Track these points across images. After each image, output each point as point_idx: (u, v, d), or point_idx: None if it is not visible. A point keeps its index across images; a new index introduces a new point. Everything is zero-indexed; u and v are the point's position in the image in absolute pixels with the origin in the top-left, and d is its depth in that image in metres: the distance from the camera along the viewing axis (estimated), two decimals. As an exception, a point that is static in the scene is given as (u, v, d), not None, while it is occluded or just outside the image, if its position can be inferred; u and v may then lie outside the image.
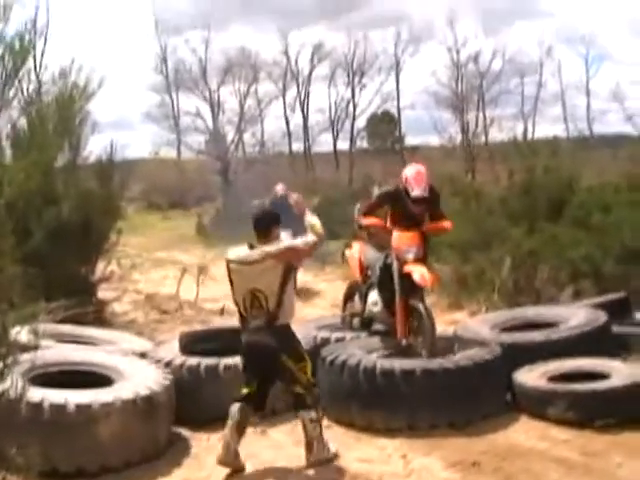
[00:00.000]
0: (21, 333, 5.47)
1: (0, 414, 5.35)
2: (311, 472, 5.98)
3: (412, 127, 61.72)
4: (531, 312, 8.92)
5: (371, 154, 47.92)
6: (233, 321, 8.32)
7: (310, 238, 6.13)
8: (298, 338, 6.22)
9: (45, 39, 39.04)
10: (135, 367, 6.93)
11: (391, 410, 6.71)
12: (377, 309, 7.91)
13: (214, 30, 51.81)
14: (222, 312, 12.35)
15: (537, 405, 6.86)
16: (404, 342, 7.49)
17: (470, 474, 5.86)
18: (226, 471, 6.03)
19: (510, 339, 7.82)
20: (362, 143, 51.10)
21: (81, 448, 5.90)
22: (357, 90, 49.07)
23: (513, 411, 7.03)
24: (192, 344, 7.63)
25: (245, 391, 6.11)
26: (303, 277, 13.62)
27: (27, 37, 12.28)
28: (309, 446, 6.01)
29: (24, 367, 5.78)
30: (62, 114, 11.76)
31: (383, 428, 6.69)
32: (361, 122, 49.99)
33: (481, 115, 47.26)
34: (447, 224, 8.13)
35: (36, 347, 5.68)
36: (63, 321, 8.92)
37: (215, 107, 47.25)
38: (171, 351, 7.63)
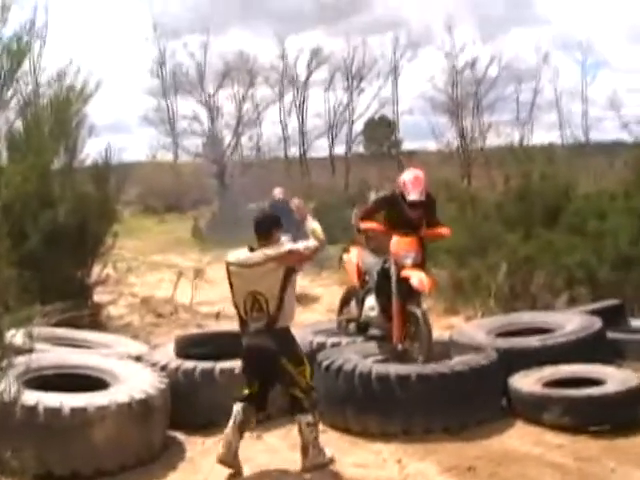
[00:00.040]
0: (16, 336, 5.46)
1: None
2: (306, 477, 5.97)
3: (409, 132, 61.65)
4: (527, 318, 8.92)
5: (367, 159, 47.88)
6: (229, 325, 8.36)
7: (311, 243, 6.15)
8: (298, 342, 6.23)
9: (43, 41, 38.69)
10: (130, 370, 6.93)
11: (386, 415, 6.72)
12: (374, 314, 7.92)
13: (212, 34, 51.72)
14: (218, 316, 12.36)
15: (532, 410, 6.87)
16: (400, 347, 7.50)
17: (465, 479, 5.86)
18: (222, 475, 6.03)
19: (506, 344, 7.83)
20: (358, 148, 51.13)
21: (76, 451, 5.90)
22: (355, 95, 49.10)
23: (508, 416, 7.04)
24: (188, 348, 7.64)
25: (247, 392, 6.13)
26: (300, 282, 13.59)
27: (25, 38, 12.29)
28: (305, 450, 6.01)
29: (19, 370, 5.77)
30: (58, 116, 11.76)
31: (378, 433, 6.69)
32: (358, 127, 50.04)
33: (478, 121, 47.30)
34: (446, 230, 8.15)
35: (31, 350, 5.68)
36: (58, 324, 8.92)
37: (212, 111, 47.22)
38: (167, 355, 7.62)
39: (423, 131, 55.57)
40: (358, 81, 48.71)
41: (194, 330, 10.21)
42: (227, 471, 6.08)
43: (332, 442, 6.50)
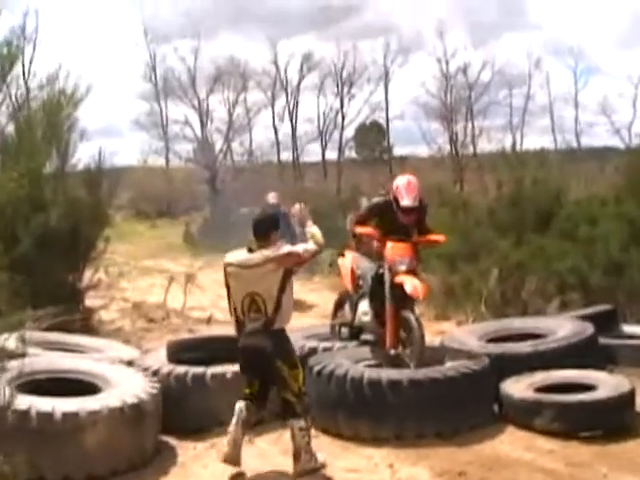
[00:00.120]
0: (9, 340, 5.46)
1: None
2: (298, 481, 5.98)
3: (400, 137, 61.78)
4: (518, 323, 8.94)
5: (359, 164, 48.00)
6: (220, 330, 8.35)
7: (310, 246, 6.18)
8: (293, 344, 6.24)
9: (34, 46, 39.00)
10: (122, 375, 6.91)
11: (378, 420, 6.72)
12: (367, 319, 7.93)
13: (203, 39, 51.92)
14: (209, 321, 12.37)
15: (524, 416, 6.88)
16: (392, 352, 7.50)
17: (457, 484, 5.88)
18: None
19: (497, 350, 7.83)
20: (350, 153, 51.21)
21: (68, 456, 5.88)
22: (346, 100, 49.17)
23: (500, 421, 7.04)
24: (179, 353, 7.63)
25: (247, 391, 6.16)
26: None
27: (15, 43, 12.29)
28: (297, 455, 6.00)
29: (12, 374, 5.76)
30: (50, 120, 11.74)
31: (370, 438, 6.69)
32: (349, 132, 50.12)
33: (470, 126, 47.43)
34: (440, 237, 8.16)
35: (24, 355, 5.67)
36: (50, 329, 8.87)
37: (204, 116, 47.26)
38: (158, 359, 7.61)
39: (414, 136, 55.61)
40: (349, 86, 48.84)
41: (186, 335, 10.18)
42: (218, 476, 6.09)
43: (324, 447, 6.50)
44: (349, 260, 8.38)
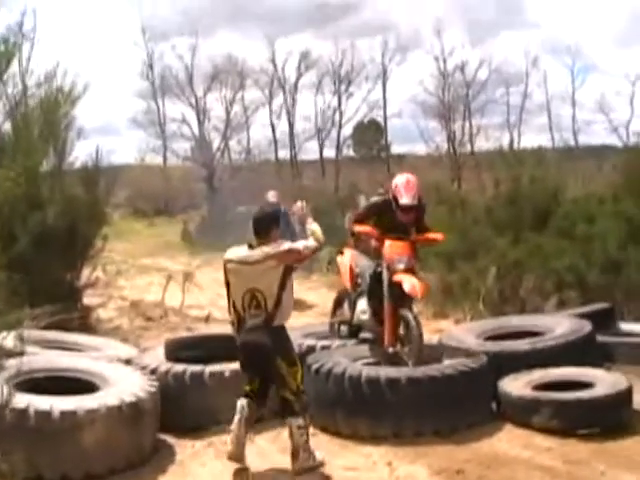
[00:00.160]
0: (7, 339, 5.45)
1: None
2: (296, 480, 5.98)
3: (398, 135, 61.91)
4: (516, 321, 8.95)
5: (357, 162, 47.99)
6: (218, 328, 8.35)
7: (311, 243, 6.19)
8: (292, 342, 6.24)
9: (32, 44, 38.82)
10: (120, 374, 6.91)
11: (376, 418, 6.72)
12: (366, 317, 7.93)
13: (201, 37, 52.00)
14: (207, 319, 12.36)
15: (522, 414, 6.88)
16: (390, 350, 7.51)
17: (455, 482, 5.88)
18: (212, 478, 6.04)
19: (495, 348, 7.84)
20: (348, 151, 51.20)
21: (66, 455, 5.87)
22: (344, 98, 49.16)
23: (498, 419, 7.04)
24: (177, 351, 7.62)
25: (248, 388, 6.15)
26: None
27: (12, 40, 12.28)
28: (295, 454, 6.00)
29: (10, 373, 5.76)
30: (47, 118, 11.73)
31: (368, 436, 6.69)
32: (347, 130, 50.11)
33: (467, 124, 47.45)
34: (439, 236, 8.15)
35: (22, 353, 5.67)
36: (48, 327, 8.88)
37: (201, 114, 47.24)
38: (156, 358, 7.61)
39: (412, 134, 55.67)
40: (347, 84, 48.83)
41: (184, 333, 10.18)
42: (216, 474, 6.10)
43: (322, 445, 6.50)
44: (348, 258, 8.38)
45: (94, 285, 11.89)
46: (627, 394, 6.83)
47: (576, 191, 14.86)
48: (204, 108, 47.29)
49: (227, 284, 6.20)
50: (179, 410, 6.96)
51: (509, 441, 6.63)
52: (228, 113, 47.16)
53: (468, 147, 46.70)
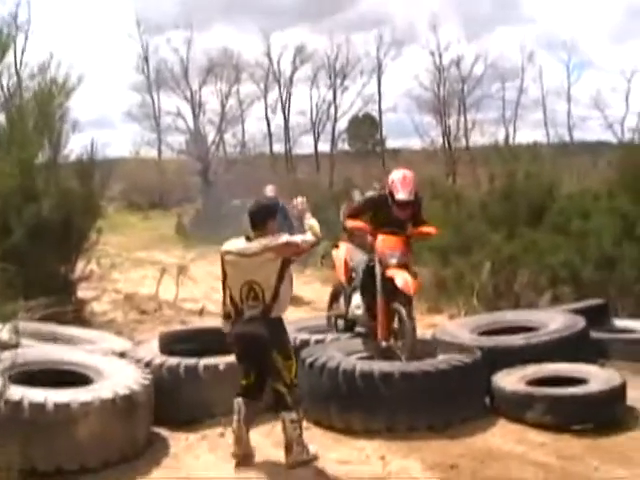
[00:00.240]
0: (2, 331, 5.45)
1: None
2: (290, 473, 5.97)
3: (393, 130, 61.98)
4: (510, 316, 8.96)
5: (352, 156, 48.03)
6: (212, 321, 8.34)
7: (309, 237, 6.19)
8: (289, 335, 6.25)
9: (26, 36, 38.94)
10: (114, 367, 6.91)
11: (370, 412, 6.72)
12: (359, 312, 7.94)
13: (196, 30, 51.84)
14: (201, 312, 12.36)
15: (515, 409, 6.89)
16: (384, 344, 7.51)
17: (448, 476, 5.88)
18: (205, 471, 6.05)
19: (489, 343, 7.85)
20: (343, 145, 51.24)
21: (60, 447, 5.87)
22: (339, 92, 49.18)
23: (491, 414, 7.05)
24: (172, 344, 7.63)
25: (244, 383, 6.15)
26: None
27: (6, 32, 12.23)
28: (288, 447, 6.01)
29: (4, 365, 5.75)
30: (42, 110, 11.70)
31: (362, 430, 6.69)
32: (342, 124, 50.14)
33: (462, 119, 47.50)
34: (432, 229, 8.14)
35: (17, 345, 5.66)
36: (42, 320, 8.88)
37: (196, 107, 47.23)
38: (151, 351, 7.61)
39: (407, 129, 55.76)
40: (342, 78, 48.85)
41: (178, 327, 10.18)
42: (210, 467, 6.11)
43: (316, 439, 6.50)
44: (343, 252, 8.38)
45: (88, 278, 11.89)
46: (621, 390, 6.85)
47: (571, 187, 14.87)
48: (199, 101, 47.36)
49: (224, 276, 6.20)
50: (173, 403, 6.96)
51: (503, 436, 6.64)
52: (223, 106, 47.23)
53: (463, 142, 46.80)
